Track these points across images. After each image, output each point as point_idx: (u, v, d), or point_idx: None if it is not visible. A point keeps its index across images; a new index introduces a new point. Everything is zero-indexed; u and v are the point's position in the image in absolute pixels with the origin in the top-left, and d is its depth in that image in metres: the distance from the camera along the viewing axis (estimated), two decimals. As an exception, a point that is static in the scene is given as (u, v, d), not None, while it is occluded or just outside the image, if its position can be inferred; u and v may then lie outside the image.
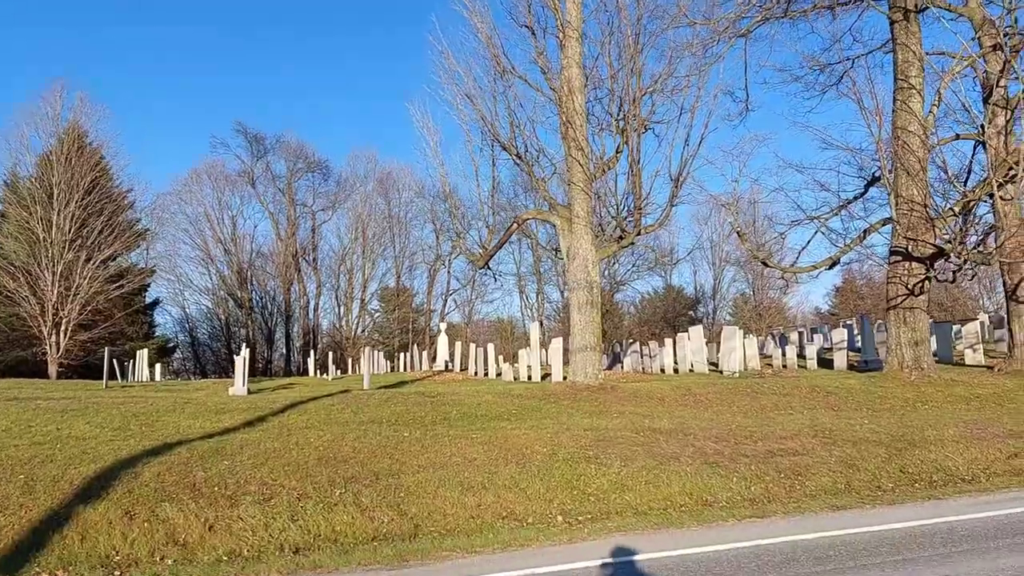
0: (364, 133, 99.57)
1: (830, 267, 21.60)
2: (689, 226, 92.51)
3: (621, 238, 17.81)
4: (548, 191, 19.47)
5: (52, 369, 34.45)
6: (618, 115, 18.36)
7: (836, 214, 21.16)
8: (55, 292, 34.41)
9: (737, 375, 21.01)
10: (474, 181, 20.85)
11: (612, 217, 17.53)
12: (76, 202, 34.92)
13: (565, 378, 19.14)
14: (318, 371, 35.87)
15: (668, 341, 26.79)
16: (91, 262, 35.24)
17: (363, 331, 69.69)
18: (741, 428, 11.95)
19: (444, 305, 68.40)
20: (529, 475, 9.40)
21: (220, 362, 62.95)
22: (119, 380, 27.23)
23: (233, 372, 19.22)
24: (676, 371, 24.59)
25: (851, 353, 24.52)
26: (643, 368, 26.50)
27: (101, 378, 32.39)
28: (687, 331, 25.20)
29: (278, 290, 68.24)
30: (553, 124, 19.26)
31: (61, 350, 34.43)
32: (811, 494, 9.41)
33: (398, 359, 43.69)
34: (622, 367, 27.66)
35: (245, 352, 20.61)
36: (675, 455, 10.30)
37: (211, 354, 69.54)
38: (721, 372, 21.93)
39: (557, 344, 20.24)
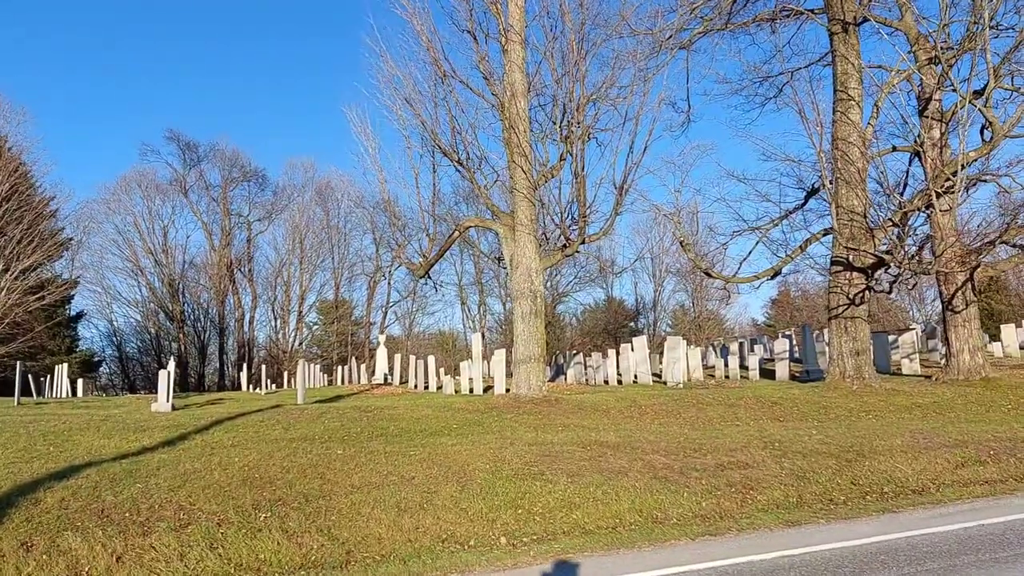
0: (302, 142, 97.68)
1: (772, 277, 21.75)
2: (630, 238, 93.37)
3: (565, 247, 17.49)
4: (490, 199, 19.03)
5: (-34, 385, 32.31)
6: (562, 121, 18.07)
7: (777, 224, 21.32)
8: (-32, 304, 32.34)
9: (682, 386, 20.89)
10: (414, 189, 20.37)
11: (556, 225, 17.23)
12: (-8, 211, 32.97)
13: (508, 390, 18.69)
14: (251, 386, 34.59)
15: (611, 352, 26.64)
16: (9, 272, 33.28)
17: (301, 344, 68.10)
18: (689, 441, 11.67)
19: (384, 317, 67.37)
20: (471, 494, 8.88)
21: (150, 377, 60.32)
22: (34, 397, 25.63)
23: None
24: (620, 382, 24.39)
25: (792, 364, 24.74)
26: (587, 380, 26.25)
27: (30, 394, 30.60)
28: (630, 342, 25.07)
29: (212, 303, 66.14)
30: (496, 131, 18.89)
31: (-25, 366, 32.33)
32: (764, 508, 9.13)
33: (336, 373, 42.59)
34: (565, 378, 27.34)
35: (171, 366, 19.51)
36: (623, 470, 9.92)
37: (141, 369, 66.93)
38: (665, 383, 21.78)
39: (500, 355, 19.78)
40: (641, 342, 23.47)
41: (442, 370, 29.33)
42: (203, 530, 7.54)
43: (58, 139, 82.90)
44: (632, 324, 67.56)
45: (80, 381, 32.89)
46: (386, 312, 68.73)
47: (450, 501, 8.70)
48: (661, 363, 28.27)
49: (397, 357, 30.99)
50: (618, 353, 26.42)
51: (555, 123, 18.42)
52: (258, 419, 13.34)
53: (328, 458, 9.90)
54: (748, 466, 10.65)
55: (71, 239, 44.16)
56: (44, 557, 6.64)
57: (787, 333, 35.24)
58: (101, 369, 61.84)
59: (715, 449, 11.31)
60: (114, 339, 64.44)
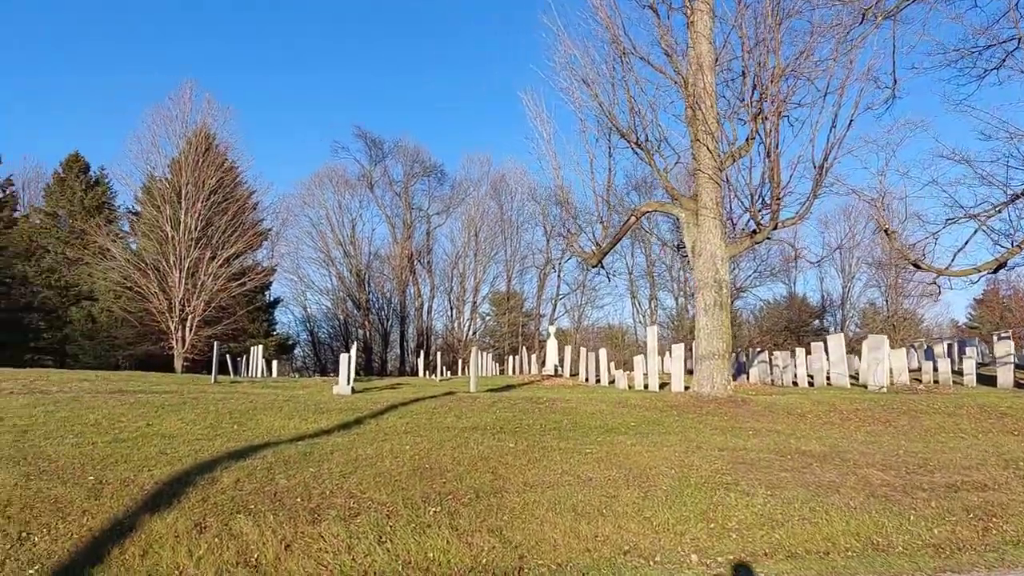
0: (479, 136, 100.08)
1: (994, 271, 18.86)
2: (815, 230, 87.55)
3: (755, 232, 15.97)
4: (670, 183, 17.85)
5: (178, 363, 35.57)
6: (752, 96, 16.53)
7: (1000, 211, 18.37)
8: (182, 288, 35.55)
9: (885, 390, 18.66)
10: (588, 174, 19.55)
11: (745, 209, 15.76)
12: (202, 201, 36.01)
13: (687, 388, 17.46)
14: (427, 372, 35.43)
15: (799, 351, 24.47)
16: (215, 260, 36.27)
17: (474, 334, 69.77)
18: (909, 454, 10.02)
19: (553, 309, 67.44)
20: (655, 502, 7.95)
21: (339, 360, 64.29)
22: (231, 375, 27.53)
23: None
24: (811, 384, 22.29)
25: (1017, 370, 21.53)
26: (771, 380, 24.29)
27: (228, 372, 33.22)
28: (822, 340, 22.86)
29: (394, 292, 69.31)
30: (676, 110, 17.72)
31: (187, 345, 35.51)
32: (1014, 541, 7.49)
33: (507, 362, 42.85)
34: (747, 378, 25.49)
35: (353, 350, 20.06)
36: (833, 485, 8.57)
37: (331, 353, 71.56)
38: (865, 387, 19.57)
39: (678, 350, 18.56)
40: (838, 340, 21.26)
41: (612, 364, 28.36)
42: (372, 522, 7.18)
43: (259, 136, 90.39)
44: (817, 322, 63.09)
45: (275, 362, 35.25)
46: (555, 304, 68.80)
47: (632, 508, 7.83)
48: (857, 364, 25.63)
49: (568, 349, 30.43)
50: (808, 352, 24.24)
51: (742, 101, 16.91)
52: (431, 406, 13.14)
53: (500, 451, 9.35)
54: (987, 488, 8.91)
55: (270, 230, 47.57)
56: (216, 540, 6.51)
57: (1005, 334, 30.95)
58: (296, 352, 66.71)
59: (943, 466, 9.61)
60: (307, 324, 69.20)
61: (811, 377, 22.59)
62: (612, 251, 21.44)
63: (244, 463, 8.22)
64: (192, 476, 7.65)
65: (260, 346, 30.55)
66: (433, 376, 30.53)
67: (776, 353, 26.52)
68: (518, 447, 9.59)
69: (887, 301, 59.97)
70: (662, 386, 20.11)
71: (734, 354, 33.31)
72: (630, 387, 21.46)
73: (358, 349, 65.85)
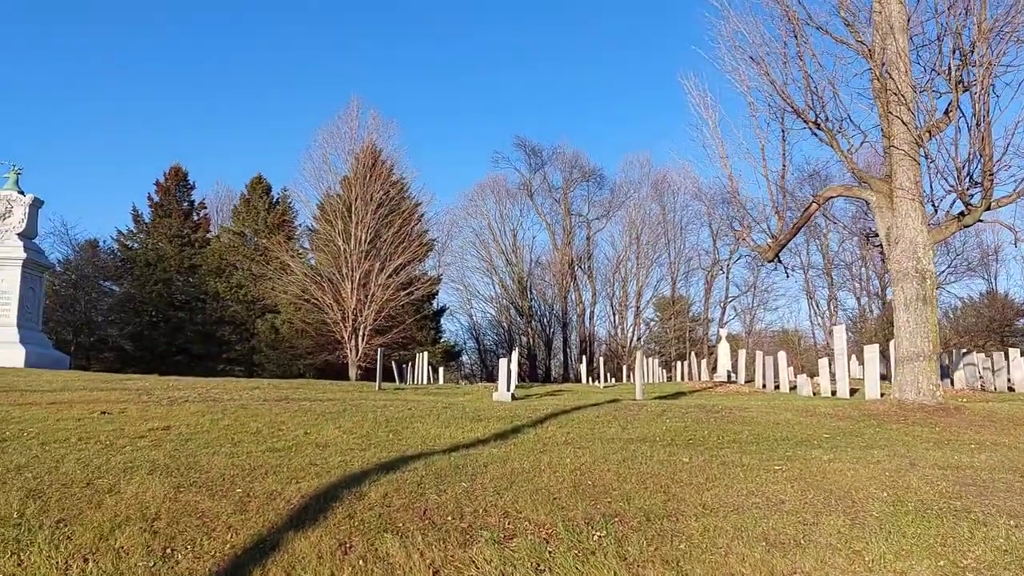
0: (638, 136, 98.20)
1: None
2: (1021, 216, 78.20)
3: (962, 214, 13.73)
4: (856, 164, 15.86)
5: (352, 371, 37.02)
6: (952, 59, 14.29)
7: None
8: (354, 299, 37.00)
9: None
10: (760, 161, 17.88)
11: (950, 188, 13.53)
12: (371, 215, 37.33)
13: (883, 395, 15.39)
14: (590, 378, 34.55)
15: (1013, 352, 21.23)
16: (384, 271, 37.48)
17: (639, 339, 68.25)
18: None
19: (723, 313, 64.58)
20: (866, 531, 6.57)
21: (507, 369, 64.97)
22: (396, 382, 28.06)
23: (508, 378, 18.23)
24: (1035, 389, 19.25)
25: None
26: (980, 385, 21.22)
27: (394, 379, 34.15)
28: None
29: (555, 298, 69.23)
30: (859, 84, 15.74)
31: (360, 353, 36.88)
32: None
33: (675, 369, 41.07)
34: (951, 383, 22.47)
35: (514, 356, 19.61)
36: (1103, 517, 6.77)
37: (496, 359, 72.80)
38: (1110, 392, 16.49)
39: (871, 351, 16.45)
40: (1070, 338, 18.08)
41: (791, 369, 26.10)
42: (529, 546, 6.38)
43: (423, 149, 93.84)
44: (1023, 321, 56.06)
45: (441, 369, 35.78)
46: (725, 308, 65.91)
47: (837, 538, 6.50)
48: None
49: (741, 353, 28.46)
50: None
51: (937, 69, 14.69)
52: (593, 414, 12.24)
53: (672, 467, 8.27)
54: None
55: (435, 240, 48.77)
56: (360, 563, 5.97)
57: None
58: (463, 359, 68.18)
59: None
60: (473, 332, 70.60)
61: (1034, 382, 19.50)
62: (787, 247, 19.54)
63: (394, 476, 7.71)
64: (339, 490, 7.21)
65: (425, 353, 30.99)
66: (596, 383, 29.61)
67: (992, 354, 23.22)
68: (693, 463, 8.46)
69: (1109, 293, 52.13)
70: (852, 392, 18.01)
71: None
72: (815, 394, 19.45)
73: (520, 355, 66.40)
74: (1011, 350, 21.52)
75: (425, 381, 29.40)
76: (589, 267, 69.78)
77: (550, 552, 6.33)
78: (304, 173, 39.69)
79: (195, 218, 49.34)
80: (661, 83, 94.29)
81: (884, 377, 18.05)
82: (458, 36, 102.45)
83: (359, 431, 10.35)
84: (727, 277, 64.46)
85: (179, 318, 45.51)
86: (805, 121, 16.14)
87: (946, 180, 13.40)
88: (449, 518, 6.83)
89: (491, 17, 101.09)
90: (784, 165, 17.64)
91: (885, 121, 15.04)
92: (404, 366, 34.39)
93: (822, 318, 59.19)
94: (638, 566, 6.17)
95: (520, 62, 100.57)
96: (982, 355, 22.77)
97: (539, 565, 6.15)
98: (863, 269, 58.09)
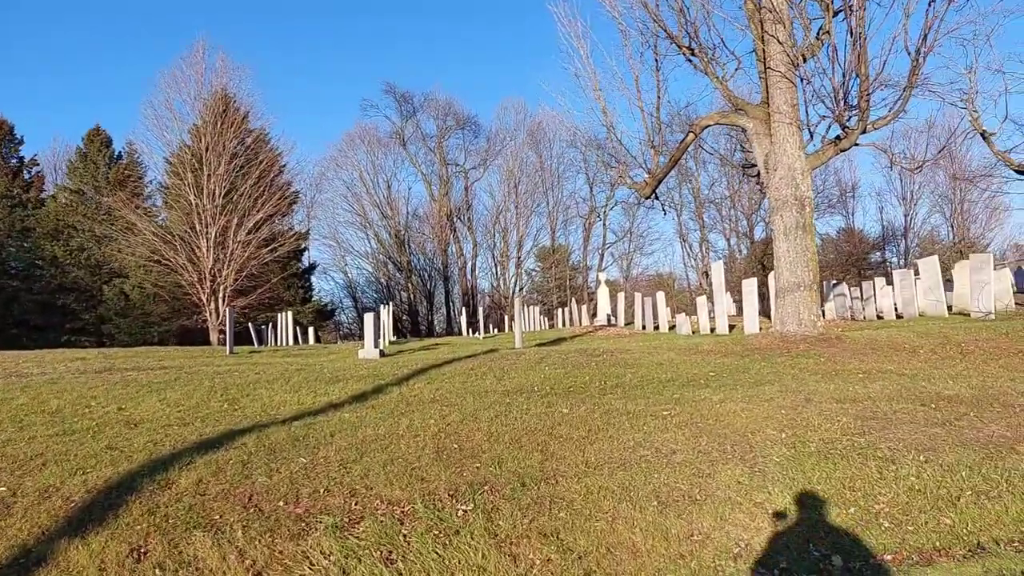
0: (512, 80, 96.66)
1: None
2: (871, 157, 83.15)
3: (839, 139, 13.34)
4: (731, 92, 15.23)
5: (214, 336, 34.34)
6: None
7: None
8: (211, 258, 34.13)
9: (993, 317, 16.00)
10: (634, 93, 17.05)
11: (828, 110, 13.04)
12: (224, 166, 34.29)
13: (762, 329, 15.12)
14: (471, 330, 33.61)
15: (879, 280, 21.81)
16: (242, 227, 34.70)
17: (521, 290, 67.95)
18: (1091, 394, 7.61)
19: (601, 260, 65.11)
20: (767, 479, 5.76)
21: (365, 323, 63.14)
22: (256, 345, 26.03)
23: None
24: (899, 316, 19.72)
25: None
26: (850, 314, 21.70)
27: (259, 343, 31.82)
28: (914, 266, 20.15)
29: (436, 252, 67.66)
30: (731, 9, 15.01)
31: (220, 316, 34.15)
32: None
33: (557, 317, 40.78)
34: (822, 314, 22.94)
35: (386, 311, 18.18)
36: (1006, 441, 6.26)
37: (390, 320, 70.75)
38: (966, 314, 16.94)
39: (749, 285, 16.13)
40: (931, 264, 18.55)
41: (668, 309, 25.98)
42: (378, 530, 5.15)
43: (288, 100, 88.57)
44: (878, 255, 59.81)
45: (311, 329, 33.73)
46: (603, 254, 66.51)
47: (736, 491, 5.65)
48: (945, 292, 22.80)
49: (620, 296, 28.15)
50: (888, 281, 21.63)
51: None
52: (467, 367, 11.09)
53: (551, 420, 7.22)
54: None
55: (298, 192, 45.86)
56: (156, 572, 4.55)
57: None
58: (340, 318, 65.65)
59: None
60: (350, 290, 68.05)
61: (898, 308, 20.01)
62: (661, 187, 18.92)
63: (215, 455, 6.24)
64: (140, 479, 5.69)
65: (290, 312, 28.90)
66: (477, 334, 28.61)
67: (851, 286, 23.83)
68: (574, 413, 7.44)
69: (952, 227, 56.26)
70: (731, 329, 17.79)
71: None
72: (694, 332, 19.17)
73: (400, 311, 64.66)
74: (876, 279, 22.09)
75: (291, 342, 27.42)
76: (469, 218, 68.41)
77: (404, 536, 5.12)
78: (146, 122, 35.86)
79: (26, 176, 44.04)
80: (537, 26, 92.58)
81: (761, 313, 17.90)
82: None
83: (187, 403, 8.73)
84: (604, 224, 64.84)
85: (13, 287, 40.70)
86: (679, 47, 15.34)
87: (823, 103, 12.93)
88: (280, 504, 5.48)
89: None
90: (659, 96, 16.89)
91: (759, 44, 14.43)
92: (263, 327, 32.12)
93: (695, 260, 60.75)
94: (511, 543, 5.07)
95: (386, 5, 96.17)
96: (847, 286, 23.32)
97: (391, 554, 4.94)
98: (732, 210, 59.85)
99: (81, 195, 41.32)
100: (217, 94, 35.37)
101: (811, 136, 14.18)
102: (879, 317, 20.22)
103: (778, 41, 12.99)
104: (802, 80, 13.25)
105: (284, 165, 40.41)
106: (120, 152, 44.00)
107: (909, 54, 12.85)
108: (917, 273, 19.90)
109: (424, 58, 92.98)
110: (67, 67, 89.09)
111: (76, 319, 39.53)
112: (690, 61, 15.57)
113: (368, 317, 14.79)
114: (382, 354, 14.59)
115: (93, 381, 10.20)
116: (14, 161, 44.00)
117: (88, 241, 39.52)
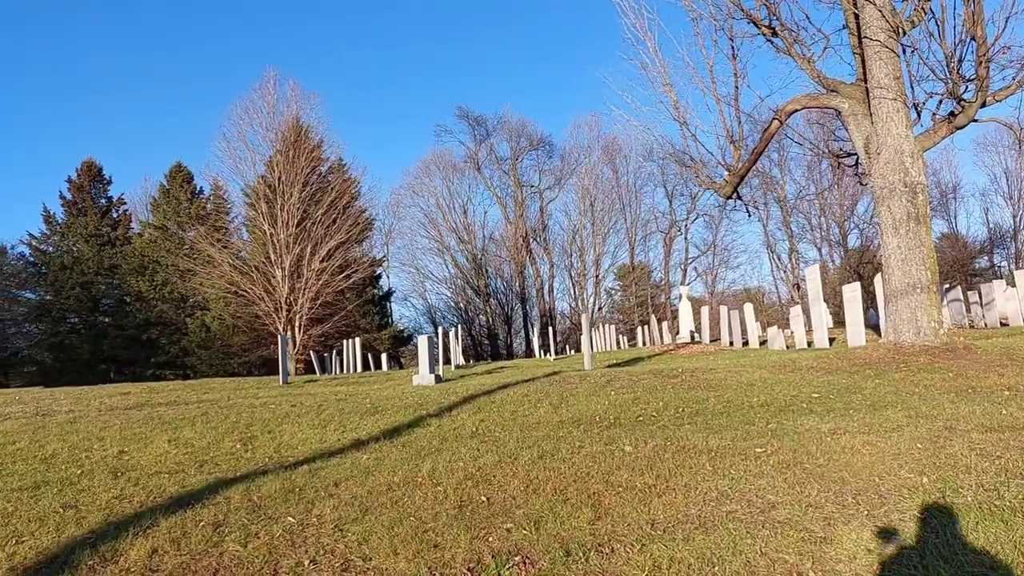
0: (585, 97, 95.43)
1: None
2: (970, 161, 77.86)
3: (953, 115, 11.35)
4: (821, 72, 13.42)
5: (291, 365, 34.08)
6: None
7: None
8: (286, 287, 34.03)
9: None
10: (709, 84, 15.40)
11: (940, 81, 11.10)
12: (297, 194, 34.23)
13: (869, 340, 13.10)
14: (543, 351, 32.17)
15: (997, 284, 19.23)
16: (316, 255, 34.50)
17: (600, 309, 66.25)
18: None
19: (684, 275, 62.74)
20: (913, 551, 4.09)
21: (465, 349, 62.55)
22: (318, 373, 25.34)
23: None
24: (1030, 321, 17.21)
25: None
26: (970, 322, 19.16)
27: (339, 371, 31.25)
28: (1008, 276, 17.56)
29: (513, 274, 66.84)
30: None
31: (297, 346, 33.91)
32: None
33: (637, 336, 38.88)
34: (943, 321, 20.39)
35: (451, 333, 16.99)
36: None
37: (459, 343, 70.34)
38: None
39: (852, 290, 14.11)
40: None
41: (758, 324, 23.88)
42: (364, 625, 3.77)
43: (366, 130, 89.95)
44: (985, 260, 55.42)
45: (384, 356, 33.01)
46: (686, 269, 64.14)
47: (866, 563, 4.01)
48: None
49: (704, 311, 26.17)
50: (1011, 283, 19.04)
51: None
52: (522, 392, 9.67)
53: (609, 462, 5.70)
54: None
55: (373, 218, 45.67)
56: None
57: None
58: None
59: None
60: (430, 315, 67.81)
61: (1030, 313, 17.47)
62: (740, 197, 17.11)
63: (186, 514, 5.02)
64: (82, 551, 4.49)
65: (356, 339, 28.15)
66: (548, 356, 27.12)
67: (968, 290, 21.19)
68: (639, 452, 5.90)
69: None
70: (831, 342, 15.75)
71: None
72: (788, 347, 17.17)
73: (478, 334, 63.81)
74: (996, 282, 19.52)
75: (358, 369, 26.61)
76: (545, 239, 67.27)
77: (399, 635, 3.73)
78: (220, 155, 36.24)
79: (114, 215, 45.49)
80: (605, 39, 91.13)
81: (865, 325, 15.80)
82: (382, 7, 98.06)
83: (199, 443, 7.64)
84: (686, 238, 62.49)
85: (103, 323, 41.94)
86: (758, 26, 13.69)
87: (933, 73, 10.98)
88: (246, 584, 4.18)
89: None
90: (737, 86, 15.17)
91: (851, 12, 12.63)
92: (325, 355, 31.55)
93: (784, 272, 57.59)
94: (544, 648, 3.60)
95: (453, 31, 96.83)
96: (983, 286, 20.58)
97: (375, 664, 3.54)
98: (822, 218, 56.58)
99: (165, 231, 42.26)
100: (289, 123, 35.47)
101: (918, 116, 12.21)
102: (1003, 324, 17.69)
103: (875, 6, 11.17)
104: (905, 50, 11.37)
105: (357, 191, 40.24)
106: (202, 187, 44.96)
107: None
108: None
109: (495, 81, 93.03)
110: (155, 107, 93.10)
111: (161, 352, 40.25)
112: (771, 42, 13.87)
113: (422, 340, 13.59)
114: (438, 380, 13.35)
115: (113, 420, 9.29)
116: (103, 201, 45.56)
117: (172, 276, 40.26)
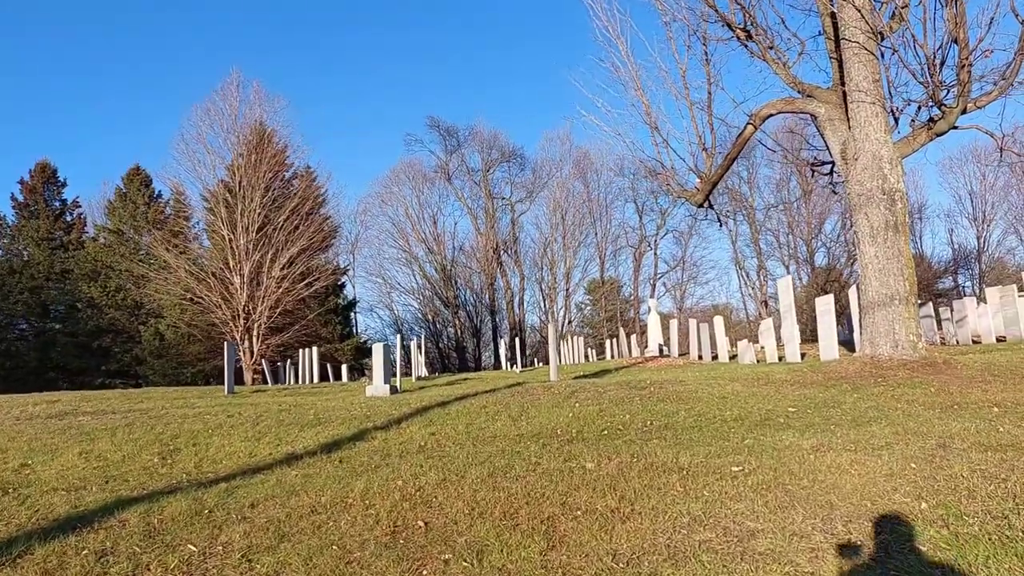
0: (556, 109, 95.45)
1: None
2: (939, 178, 79.24)
3: (932, 121, 10.96)
4: (795, 77, 13.02)
5: (247, 376, 32.99)
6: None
7: None
8: (244, 295, 32.92)
9: None
10: (681, 89, 14.95)
11: (920, 84, 10.68)
12: (259, 199, 33.19)
13: (841, 353, 12.65)
14: (510, 364, 31.52)
15: (968, 301, 19.00)
16: (276, 262, 33.46)
17: (570, 323, 65.75)
18: None
19: (653, 289, 62.54)
20: (916, 590, 3.48)
21: (431, 362, 61.59)
22: (270, 383, 24.43)
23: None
24: (1000, 339, 16.94)
25: None
26: (940, 338, 18.88)
27: (293, 382, 30.23)
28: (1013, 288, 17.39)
29: (483, 286, 66.14)
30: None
31: (254, 355, 32.79)
32: None
33: (606, 349, 38.39)
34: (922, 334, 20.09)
35: (412, 343, 16.25)
36: None
37: (424, 354, 69.43)
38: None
39: (824, 303, 13.66)
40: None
41: (727, 338, 23.45)
42: None
43: (333, 140, 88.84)
44: (951, 280, 56.11)
45: (344, 367, 32.06)
46: (655, 284, 63.99)
47: (862, 608, 3.39)
48: None
49: (673, 324, 25.70)
50: (980, 299, 18.84)
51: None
52: (482, 403, 8.98)
53: (567, 481, 5.02)
54: None
55: (338, 225, 44.74)
56: None
57: None
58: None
59: None
60: (397, 327, 66.69)
61: (1004, 330, 17.22)
62: (708, 212, 16.66)
63: (68, 541, 4.24)
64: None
65: (313, 349, 27.21)
66: (514, 367, 26.43)
67: (938, 306, 20.97)
68: (602, 470, 5.23)
69: (1031, 248, 52.53)
70: (802, 356, 15.28)
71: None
72: (759, 360, 16.70)
73: (446, 346, 62.90)
74: (968, 299, 19.30)
75: (315, 380, 25.65)
76: (515, 251, 66.66)
77: None
78: (179, 158, 35.01)
79: (68, 219, 43.92)
80: (578, 47, 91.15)
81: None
82: (354, 18, 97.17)
83: (113, 456, 6.83)
84: (655, 253, 62.30)
85: (52, 330, 40.29)
86: (732, 29, 13.26)
87: (914, 76, 10.57)
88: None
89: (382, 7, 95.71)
90: (710, 92, 14.71)
91: (827, 19, 12.26)
92: (279, 365, 30.54)
93: (753, 288, 57.66)
94: None
95: (426, 42, 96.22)
96: (956, 302, 20.32)
97: None
98: (790, 236, 56.81)
99: (120, 235, 40.87)
100: (251, 126, 34.46)
101: (896, 122, 11.82)
102: (975, 341, 17.41)
103: (854, 6, 10.78)
104: (884, 53, 10.97)
105: (322, 197, 39.28)
106: (160, 191, 43.64)
107: (1017, 16, 10.47)
108: (1022, 290, 17.14)
109: (467, 92, 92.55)
110: (111, 108, 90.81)
111: (113, 361, 38.77)
112: (745, 46, 13.45)
113: (377, 348, 12.83)
114: (393, 391, 12.59)
115: (27, 429, 8.42)
116: (56, 204, 43.99)
117: (126, 282, 38.87)
